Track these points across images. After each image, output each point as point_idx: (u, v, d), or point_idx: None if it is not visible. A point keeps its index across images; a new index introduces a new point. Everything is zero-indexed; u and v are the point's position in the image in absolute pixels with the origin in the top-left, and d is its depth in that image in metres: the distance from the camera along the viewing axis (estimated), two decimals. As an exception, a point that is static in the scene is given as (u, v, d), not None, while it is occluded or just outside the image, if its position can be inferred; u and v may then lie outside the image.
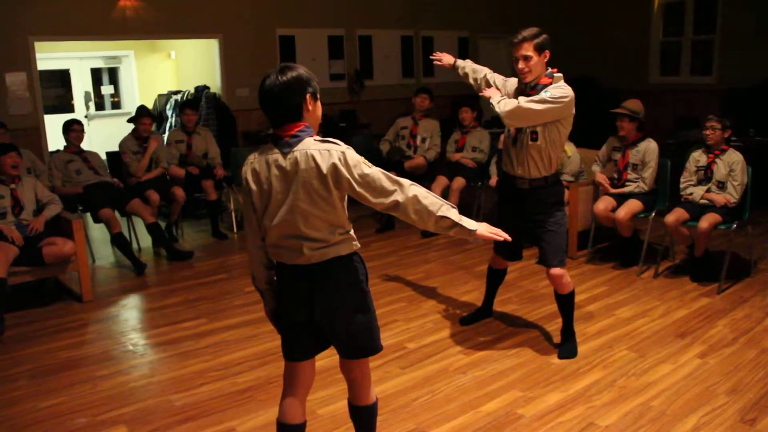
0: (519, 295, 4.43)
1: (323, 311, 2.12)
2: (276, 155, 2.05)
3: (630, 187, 4.83)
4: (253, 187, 2.09)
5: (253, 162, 2.10)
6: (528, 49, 3.21)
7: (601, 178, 5.00)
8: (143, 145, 5.81)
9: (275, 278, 2.24)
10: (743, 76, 8.66)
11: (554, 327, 3.89)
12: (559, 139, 3.33)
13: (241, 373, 3.42)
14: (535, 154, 3.34)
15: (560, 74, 3.31)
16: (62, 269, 4.52)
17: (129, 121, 5.94)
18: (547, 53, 3.26)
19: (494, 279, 3.94)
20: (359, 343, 2.19)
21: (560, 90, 3.21)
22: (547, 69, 3.30)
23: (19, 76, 6.70)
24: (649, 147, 4.80)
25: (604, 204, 4.85)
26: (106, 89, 10.48)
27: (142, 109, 6.00)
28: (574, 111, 3.32)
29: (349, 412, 2.38)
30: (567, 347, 3.57)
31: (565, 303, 3.54)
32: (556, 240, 3.41)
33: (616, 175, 4.95)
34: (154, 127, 8.96)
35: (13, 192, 4.46)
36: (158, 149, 5.93)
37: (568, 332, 3.61)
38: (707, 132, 4.53)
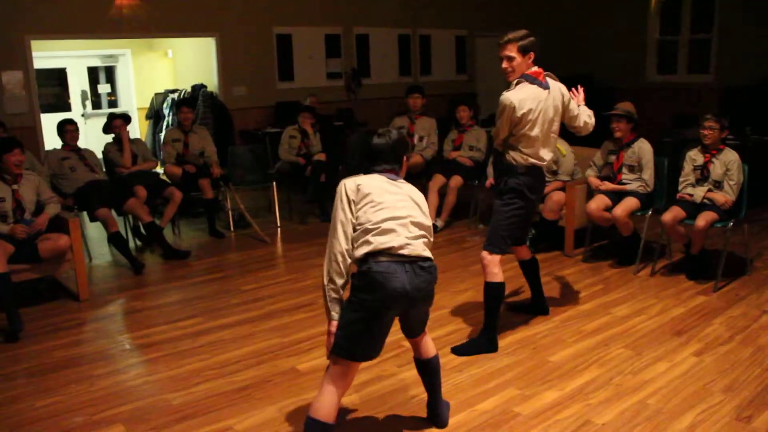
0: (520, 293, 4.43)
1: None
2: None
3: (631, 186, 4.83)
4: None
5: None
6: (512, 51, 3.38)
7: (593, 180, 5.02)
8: (121, 143, 5.85)
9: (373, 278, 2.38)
10: (740, 74, 8.68)
11: (552, 325, 3.90)
12: (513, 142, 3.46)
13: (238, 371, 3.42)
14: (499, 148, 3.58)
15: (522, 79, 3.40)
16: (59, 267, 4.51)
17: (104, 130, 5.93)
18: (532, 55, 3.41)
19: (526, 270, 3.97)
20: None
21: (501, 101, 3.39)
22: (532, 68, 3.42)
23: (16, 74, 6.69)
24: (643, 147, 4.81)
25: (596, 203, 4.85)
26: (103, 88, 10.46)
27: (111, 116, 5.96)
28: (524, 113, 3.37)
29: (417, 369, 2.81)
30: (470, 342, 3.60)
31: (485, 292, 3.53)
32: (495, 223, 3.50)
33: (611, 177, 4.97)
34: (149, 126, 9.02)
35: (15, 193, 4.37)
36: (136, 142, 6.03)
37: (484, 326, 3.60)
38: (705, 132, 4.53)
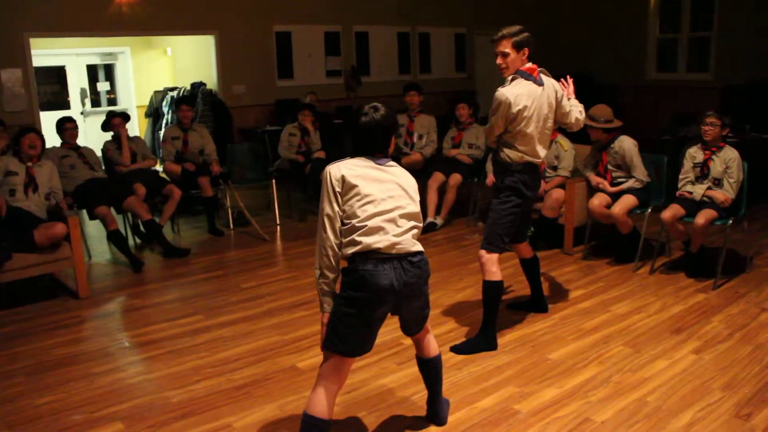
0: (516, 291, 4.44)
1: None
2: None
3: (627, 184, 4.83)
4: None
5: None
6: (506, 46, 3.37)
7: (593, 177, 5.01)
8: (120, 141, 5.85)
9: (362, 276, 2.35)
10: (739, 72, 8.68)
11: (551, 323, 3.91)
12: (508, 140, 3.46)
13: (238, 369, 3.42)
14: (493, 146, 3.61)
15: (517, 75, 3.40)
16: (58, 265, 4.51)
17: (103, 128, 5.94)
18: (527, 51, 3.40)
19: (526, 268, 3.97)
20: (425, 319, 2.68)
21: (496, 97, 3.37)
22: (526, 64, 3.42)
23: (15, 72, 6.68)
24: (623, 146, 4.81)
25: (598, 200, 4.85)
26: (102, 86, 10.45)
27: (110, 114, 5.95)
28: (519, 110, 3.36)
29: (418, 367, 2.80)
30: (469, 340, 3.60)
31: (484, 290, 3.54)
32: (492, 221, 3.52)
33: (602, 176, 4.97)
34: (148, 124, 9.01)
35: (29, 169, 4.44)
36: (136, 140, 6.04)
37: (483, 324, 3.60)
38: (706, 128, 4.53)
